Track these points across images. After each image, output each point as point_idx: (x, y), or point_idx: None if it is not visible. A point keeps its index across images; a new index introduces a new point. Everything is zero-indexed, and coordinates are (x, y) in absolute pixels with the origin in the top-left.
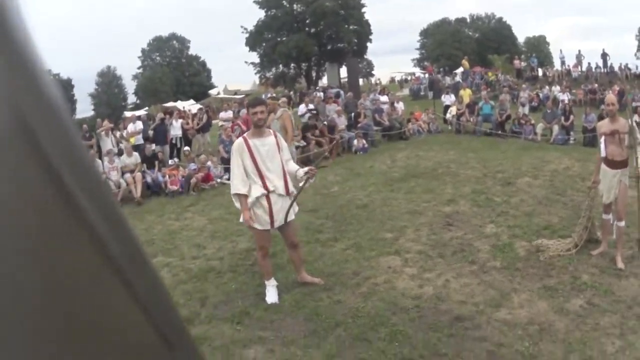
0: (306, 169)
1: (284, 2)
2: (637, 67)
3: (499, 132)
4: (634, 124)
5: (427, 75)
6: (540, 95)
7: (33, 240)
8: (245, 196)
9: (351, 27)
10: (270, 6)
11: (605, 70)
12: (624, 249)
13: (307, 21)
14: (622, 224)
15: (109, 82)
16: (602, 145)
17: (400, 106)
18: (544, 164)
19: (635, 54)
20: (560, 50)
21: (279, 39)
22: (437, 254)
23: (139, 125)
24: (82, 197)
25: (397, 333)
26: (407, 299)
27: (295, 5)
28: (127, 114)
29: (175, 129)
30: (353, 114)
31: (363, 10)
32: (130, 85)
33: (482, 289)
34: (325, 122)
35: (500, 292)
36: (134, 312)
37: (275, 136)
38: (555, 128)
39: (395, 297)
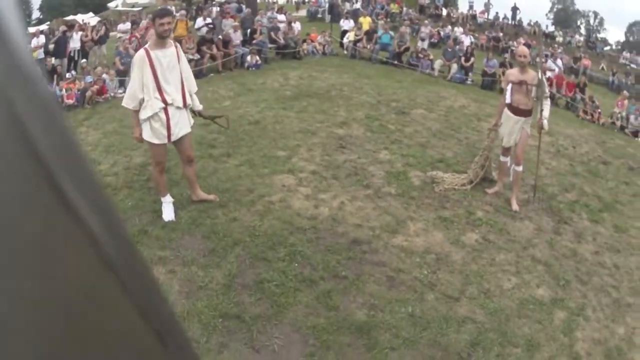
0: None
1: None
2: (546, 27)
3: (396, 62)
4: (543, 78)
5: None
6: (442, 33)
7: (25, 239)
8: (136, 112)
9: None
10: None
11: (513, 23)
12: (519, 193)
13: None
14: (520, 168)
15: None
16: (509, 93)
17: (297, 26)
18: (440, 99)
19: (547, 14)
20: None
21: None
22: (330, 175)
23: (42, 39)
24: (75, 194)
25: (296, 254)
26: (304, 219)
27: None
28: (31, 29)
29: (75, 41)
30: (249, 30)
31: None
32: (35, 1)
33: (377, 214)
34: (220, 37)
35: (396, 219)
36: (128, 309)
37: (176, 47)
38: (454, 66)
39: (291, 216)
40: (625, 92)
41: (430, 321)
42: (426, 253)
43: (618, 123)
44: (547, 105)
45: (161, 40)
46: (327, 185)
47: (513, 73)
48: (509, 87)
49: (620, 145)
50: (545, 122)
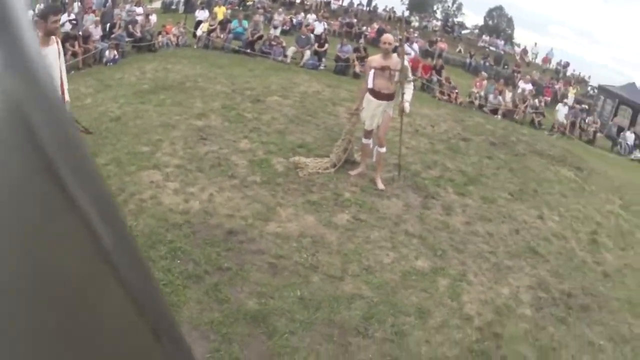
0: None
1: None
2: (402, 13)
3: (248, 50)
4: (406, 63)
5: None
6: (294, 20)
7: (22, 227)
8: None
9: None
10: None
11: (368, 9)
12: (384, 172)
13: None
14: (383, 149)
15: None
16: (370, 78)
17: (153, 18)
18: (294, 85)
19: (402, 0)
20: None
21: None
22: (195, 167)
23: None
24: (74, 184)
25: (177, 250)
26: (177, 215)
27: None
28: None
29: None
30: (109, 24)
31: None
32: None
33: (247, 203)
34: (80, 32)
35: (266, 207)
36: (124, 302)
37: (57, 43)
38: (307, 53)
39: (164, 213)
40: (483, 72)
41: (321, 302)
42: (302, 237)
43: (476, 102)
44: (409, 89)
45: (47, 37)
46: (194, 178)
47: (376, 59)
48: (372, 72)
49: (479, 122)
50: (407, 104)
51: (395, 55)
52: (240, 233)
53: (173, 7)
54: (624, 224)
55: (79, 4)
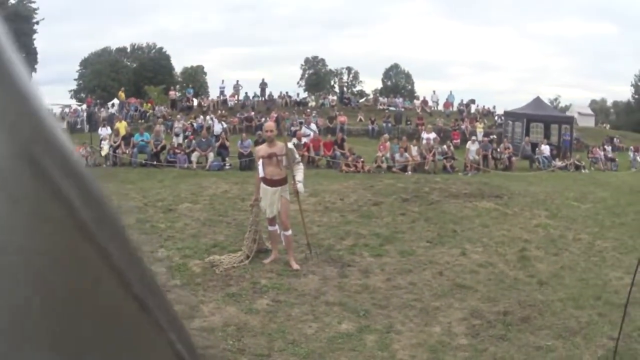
0: None
1: None
2: (297, 95)
3: (155, 162)
4: (292, 146)
5: (84, 107)
6: (195, 124)
7: (31, 242)
8: None
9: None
10: None
11: (263, 99)
12: (296, 253)
13: None
14: (289, 232)
15: None
16: (260, 167)
17: None
18: (202, 189)
19: (298, 82)
20: (222, 80)
21: None
22: None
23: None
24: (79, 201)
25: None
26: None
27: None
28: None
29: None
30: None
31: (34, 37)
32: None
33: None
34: None
35: (188, 306)
36: (108, 276)
37: None
38: (211, 155)
39: None
40: (385, 135)
41: None
42: (225, 326)
43: (384, 165)
44: (299, 170)
45: None
46: None
47: (262, 148)
48: (260, 161)
49: (389, 184)
50: (300, 185)
51: (279, 142)
52: None
53: (78, 126)
54: (553, 232)
55: None
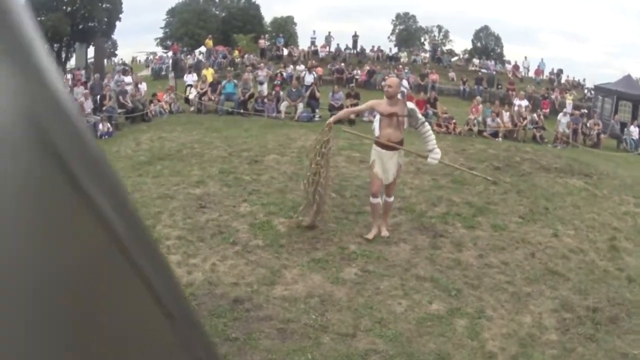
0: None
1: None
2: (390, 50)
3: (242, 110)
4: (413, 105)
5: (170, 54)
6: (284, 74)
7: (42, 229)
8: None
9: (104, 4)
10: None
11: (355, 52)
12: (389, 219)
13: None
14: (391, 199)
15: None
16: (377, 126)
17: (143, 87)
18: (290, 141)
19: (389, 37)
20: (314, 31)
21: (38, 19)
22: (196, 237)
23: None
24: (83, 174)
25: None
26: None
27: None
28: None
29: None
30: (99, 96)
31: None
32: None
33: (251, 269)
34: None
35: (270, 270)
36: (139, 288)
37: None
38: (300, 106)
39: None
40: (477, 97)
41: None
42: (309, 297)
43: (475, 129)
44: (428, 135)
45: None
46: (195, 249)
47: (382, 104)
48: (377, 119)
49: (481, 149)
50: (433, 159)
51: (400, 99)
52: (246, 301)
53: (163, 73)
54: None
55: (69, 75)
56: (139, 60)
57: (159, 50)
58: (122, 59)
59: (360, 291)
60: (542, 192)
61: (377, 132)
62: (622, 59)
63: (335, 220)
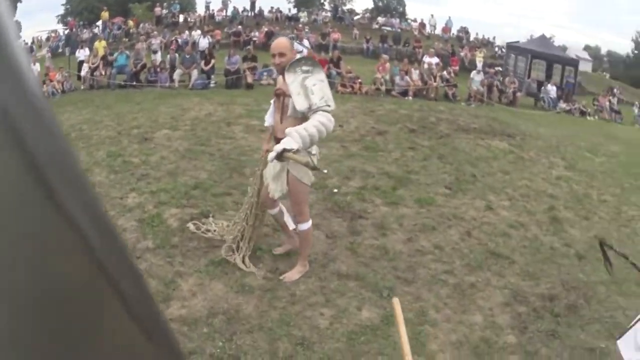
0: None
1: None
2: (289, 10)
3: (134, 83)
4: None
5: (66, 30)
6: (180, 40)
7: (18, 237)
8: None
9: None
10: None
11: (253, 14)
12: None
13: None
14: (306, 226)
15: None
16: (269, 112)
17: (36, 68)
18: (183, 112)
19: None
20: None
21: None
22: None
23: None
24: (65, 194)
25: None
26: None
27: None
28: None
29: None
30: None
31: None
32: None
33: None
34: None
35: (163, 281)
36: (119, 309)
37: None
38: (195, 73)
39: None
40: (384, 55)
41: None
42: (212, 316)
43: (383, 87)
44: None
45: None
46: None
47: (279, 80)
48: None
49: (391, 109)
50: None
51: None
52: None
53: (60, 50)
54: (576, 187)
55: None
56: (42, 39)
57: (60, 28)
58: (24, 40)
59: (272, 301)
60: (465, 157)
61: (268, 121)
62: (528, 20)
63: (233, 205)
